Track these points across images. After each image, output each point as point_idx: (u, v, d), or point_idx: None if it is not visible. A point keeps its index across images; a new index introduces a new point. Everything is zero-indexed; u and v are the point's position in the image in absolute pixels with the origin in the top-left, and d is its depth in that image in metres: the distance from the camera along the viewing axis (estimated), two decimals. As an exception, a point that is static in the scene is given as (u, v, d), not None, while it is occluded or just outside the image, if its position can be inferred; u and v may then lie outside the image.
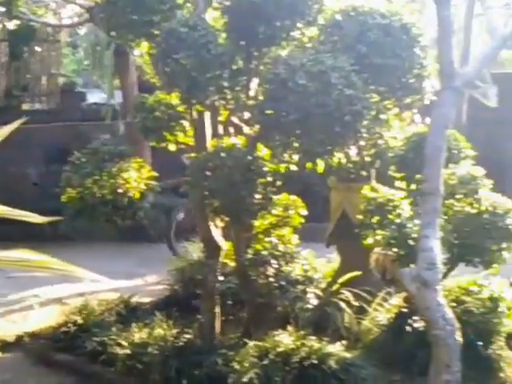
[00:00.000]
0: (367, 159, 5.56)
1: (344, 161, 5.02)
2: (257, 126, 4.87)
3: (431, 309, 4.14)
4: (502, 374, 5.14)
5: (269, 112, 4.50)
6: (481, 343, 5.13)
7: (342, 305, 5.64)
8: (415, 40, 4.83)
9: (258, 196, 4.87)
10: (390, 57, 4.67)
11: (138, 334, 5.40)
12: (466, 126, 10.68)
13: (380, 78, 4.70)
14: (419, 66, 4.85)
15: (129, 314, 6.12)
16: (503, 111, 12.12)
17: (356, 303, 5.65)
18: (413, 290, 4.23)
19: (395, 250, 5.02)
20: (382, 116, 4.88)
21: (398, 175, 5.51)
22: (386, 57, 4.66)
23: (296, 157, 4.88)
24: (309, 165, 4.90)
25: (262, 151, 4.97)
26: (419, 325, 5.07)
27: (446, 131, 4.37)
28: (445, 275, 5.14)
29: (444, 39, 4.28)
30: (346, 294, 5.69)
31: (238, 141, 5.05)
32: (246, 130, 5.16)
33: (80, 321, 5.93)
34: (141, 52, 5.37)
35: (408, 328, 5.21)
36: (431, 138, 4.30)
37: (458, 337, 4.15)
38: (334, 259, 6.52)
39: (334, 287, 5.78)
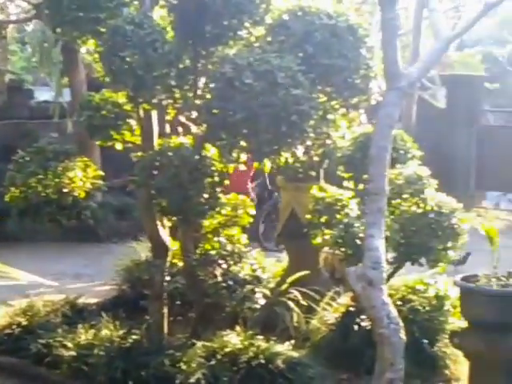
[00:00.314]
0: (315, 159, 5.59)
1: (291, 160, 5.02)
2: (204, 126, 4.84)
3: (376, 308, 4.16)
4: (446, 371, 5.22)
5: (216, 111, 4.48)
6: (426, 341, 5.20)
7: (291, 304, 5.64)
8: (361, 41, 4.87)
9: (205, 195, 4.85)
10: (337, 57, 4.70)
11: (84, 336, 5.33)
12: (415, 127, 10.85)
13: (327, 78, 4.73)
14: (365, 66, 4.89)
15: (75, 315, 6.01)
16: (452, 112, 12.34)
17: (305, 302, 5.66)
18: (358, 289, 4.25)
19: (343, 249, 5.05)
20: (329, 116, 4.90)
21: (346, 175, 5.55)
22: (333, 57, 4.69)
23: (244, 156, 4.87)
24: (256, 164, 4.90)
25: (211, 151, 4.94)
26: (366, 324, 5.10)
27: (391, 131, 4.40)
28: (392, 274, 5.19)
29: (389, 41, 4.31)
30: (295, 293, 5.69)
31: (186, 140, 5.01)
32: (194, 129, 5.13)
33: (24, 322, 5.81)
34: (89, 49, 5.30)
35: (355, 327, 5.24)
36: (376, 137, 4.33)
37: (402, 335, 4.18)
38: (283, 259, 6.54)
39: (283, 287, 5.77)
